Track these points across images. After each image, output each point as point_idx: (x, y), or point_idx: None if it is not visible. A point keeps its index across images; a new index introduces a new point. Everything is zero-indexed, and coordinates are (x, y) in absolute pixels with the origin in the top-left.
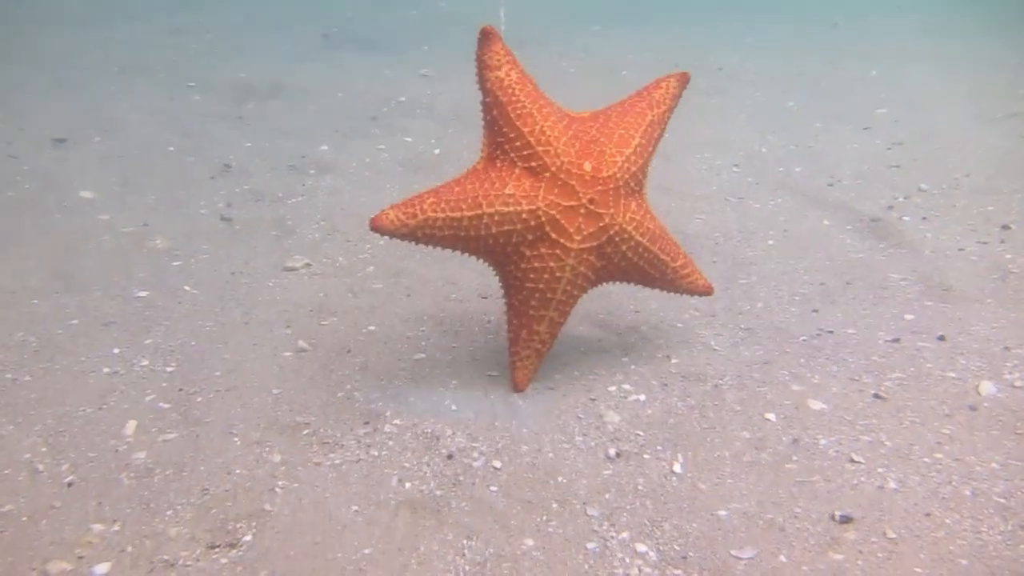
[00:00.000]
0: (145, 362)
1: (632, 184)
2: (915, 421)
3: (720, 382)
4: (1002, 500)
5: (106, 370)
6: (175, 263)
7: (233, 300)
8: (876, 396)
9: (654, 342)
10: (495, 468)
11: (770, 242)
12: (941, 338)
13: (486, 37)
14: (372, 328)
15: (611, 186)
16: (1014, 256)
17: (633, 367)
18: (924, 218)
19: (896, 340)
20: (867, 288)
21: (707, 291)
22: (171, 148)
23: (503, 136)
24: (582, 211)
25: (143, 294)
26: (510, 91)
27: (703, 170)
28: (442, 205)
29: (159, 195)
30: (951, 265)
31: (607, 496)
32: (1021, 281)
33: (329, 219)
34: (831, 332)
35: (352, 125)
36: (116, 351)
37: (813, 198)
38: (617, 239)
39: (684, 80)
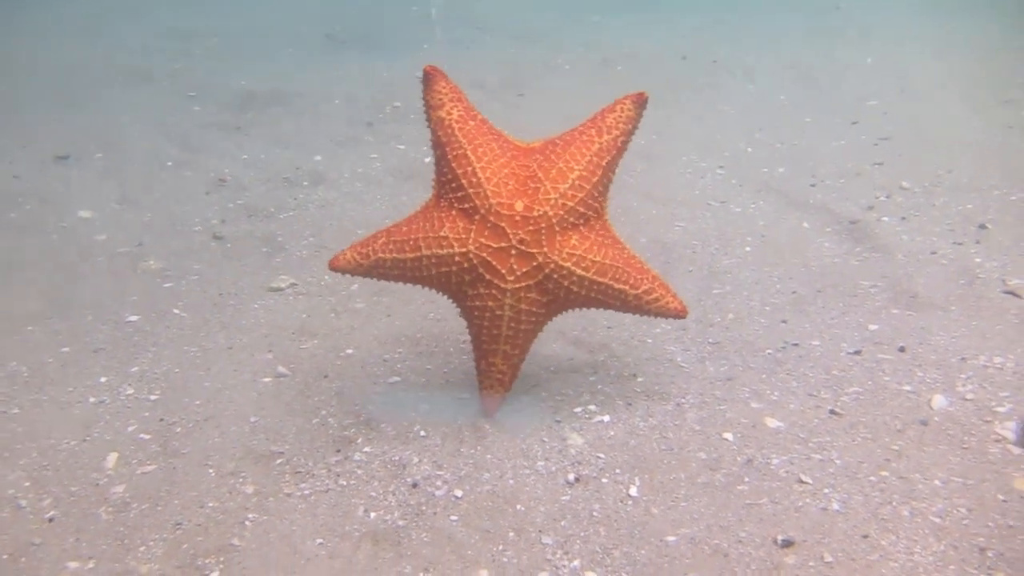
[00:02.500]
0: (130, 390)
1: (571, 218)
2: (867, 437)
3: (682, 401)
4: (937, 520)
5: (92, 400)
6: (166, 284)
7: (218, 323)
8: (832, 412)
9: (623, 359)
10: (456, 497)
11: (747, 248)
12: (901, 349)
13: (428, 77)
14: (350, 351)
15: (543, 225)
16: (984, 260)
17: (600, 387)
18: (903, 218)
19: (858, 352)
20: (837, 296)
21: (679, 314)
22: (169, 162)
23: (444, 176)
24: (513, 252)
25: (133, 318)
26: (449, 131)
27: (687, 173)
28: (390, 247)
29: (155, 212)
30: (921, 271)
31: (563, 523)
32: (986, 287)
33: (318, 235)
34: (796, 344)
35: (347, 132)
36: (103, 379)
37: (794, 200)
38: (556, 276)
39: (641, 100)
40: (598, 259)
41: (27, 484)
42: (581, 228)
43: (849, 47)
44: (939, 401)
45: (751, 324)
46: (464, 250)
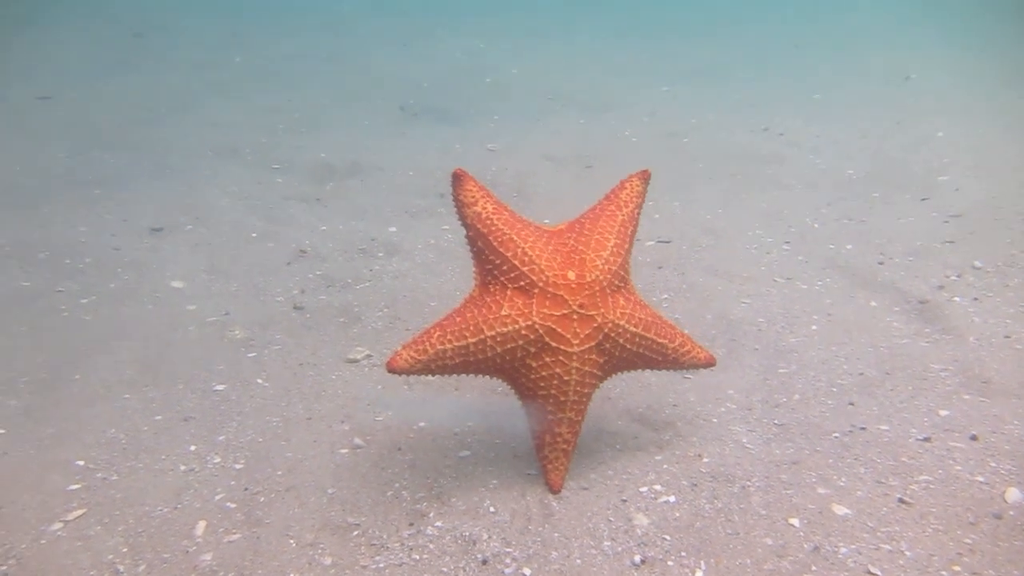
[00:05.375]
0: (217, 459)
1: (616, 282)
2: (938, 529)
3: (748, 483)
4: None
5: (183, 467)
6: (250, 354)
7: (298, 394)
8: (901, 501)
9: (688, 439)
10: (525, 575)
11: (813, 327)
12: (973, 438)
13: (458, 179)
14: (422, 424)
15: (596, 288)
16: None
17: (666, 466)
18: (975, 299)
19: (927, 439)
20: (906, 379)
21: (709, 362)
22: (254, 234)
23: (490, 263)
24: (575, 316)
25: (220, 388)
26: (488, 222)
27: (753, 249)
28: (448, 336)
29: (240, 282)
30: (994, 355)
31: None
32: None
33: (392, 306)
34: (863, 428)
35: (420, 204)
36: (192, 448)
37: (862, 278)
38: (613, 334)
39: (646, 177)
40: (642, 316)
41: (124, 550)
42: (622, 290)
43: (920, 119)
44: (1014, 494)
45: (817, 406)
46: (529, 322)
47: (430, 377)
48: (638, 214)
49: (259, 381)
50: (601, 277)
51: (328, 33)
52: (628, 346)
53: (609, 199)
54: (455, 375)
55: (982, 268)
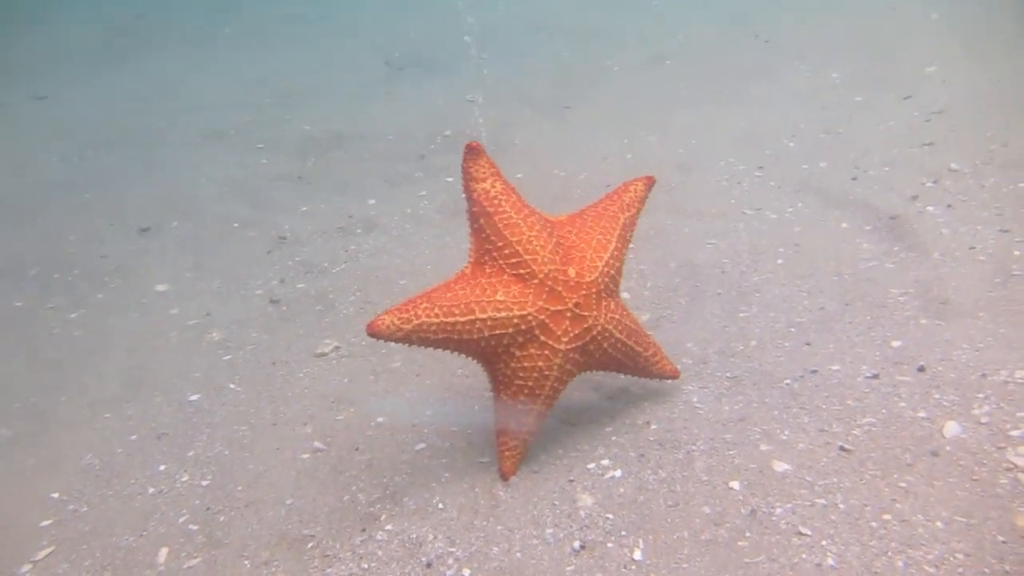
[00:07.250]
0: (185, 477)
1: (611, 285)
2: (875, 475)
3: (693, 448)
4: (932, 570)
5: (151, 490)
6: (226, 357)
7: (267, 397)
8: (842, 449)
9: (639, 404)
10: None
11: (779, 261)
12: (921, 369)
13: (472, 152)
14: (381, 420)
15: (593, 290)
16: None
17: (615, 438)
18: (948, 205)
19: (875, 376)
20: (865, 308)
21: (673, 375)
22: (236, 224)
23: (491, 244)
24: (568, 315)
25: (194, 397)
26: (496, 202)
27: (724, 180)
28: (435, 310)
29: (223, 278)
30: (956, 271)
31: None
32: (1020, 285)
33: (364, 289)
34: (815, 371)
35: (400, 170)
36: (162, 468)
37: (834, 197)
38: (599, 338)
39: (650, 183)
40: (628, 323)
41: None
42: (613, 295)
43: (917, 3)
44: (952, 428)
45: (773, 351)
46: (524, 312)
47: (395, 365)
48: (636, 218)
49: (231, 386)
50: (599, 279)
51: None
52: (610, 351)
53: (612, 199)
54: (434, 349)
55: (959, 170)
